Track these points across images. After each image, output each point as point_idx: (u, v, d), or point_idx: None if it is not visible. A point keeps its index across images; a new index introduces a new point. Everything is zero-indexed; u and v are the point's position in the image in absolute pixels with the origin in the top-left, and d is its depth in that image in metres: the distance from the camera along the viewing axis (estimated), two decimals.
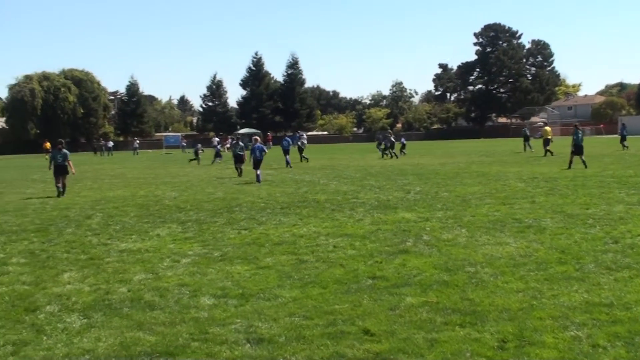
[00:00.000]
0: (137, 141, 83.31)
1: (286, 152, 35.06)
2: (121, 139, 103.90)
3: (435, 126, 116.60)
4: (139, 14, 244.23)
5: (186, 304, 7.08)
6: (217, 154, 42.31)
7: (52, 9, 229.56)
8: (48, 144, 66.70)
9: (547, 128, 38.10)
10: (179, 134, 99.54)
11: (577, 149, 25.53)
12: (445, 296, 7.04)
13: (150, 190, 21.88)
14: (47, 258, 10.01)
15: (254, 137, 28.16)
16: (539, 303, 6.68)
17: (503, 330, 5.84)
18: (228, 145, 58.50)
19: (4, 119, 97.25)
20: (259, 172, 23.98)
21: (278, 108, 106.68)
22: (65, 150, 20.84)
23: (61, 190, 20.50)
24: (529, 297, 6.92)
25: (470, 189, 18.27)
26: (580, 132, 26.11)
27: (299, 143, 39.24)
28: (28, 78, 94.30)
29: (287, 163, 33.90)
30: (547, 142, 36.04)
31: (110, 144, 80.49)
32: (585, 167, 24.52)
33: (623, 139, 41.03)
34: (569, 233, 10.67)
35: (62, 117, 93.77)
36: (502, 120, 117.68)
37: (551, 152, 35.33)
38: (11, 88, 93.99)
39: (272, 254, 9.77)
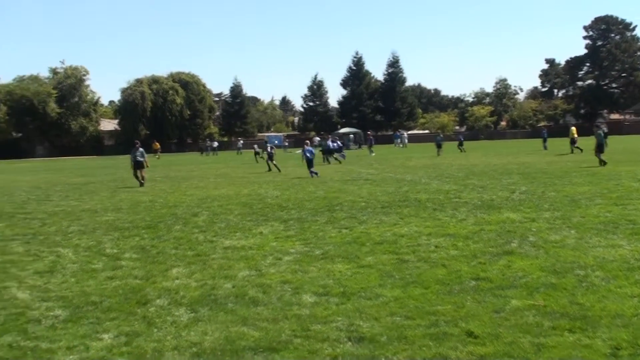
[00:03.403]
0: (241, 141, 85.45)
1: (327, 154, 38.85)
2: (225, 139, 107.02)
3: (542, 123, 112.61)
4: (242, 18, 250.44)
5: (288, 301, 7.18)
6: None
7: (161, 16, 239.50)
8: (157, 144, 70.10)
9: (573, 128, 41.88)
10: (281, 134, 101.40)
11: (599, 148, 27.10)
12: (553, 300, 6.77)
13: (253, 189, 22.38)
14: (157, 254, 10.43)
15: (306, 140, 34.19)
16: None
17: (616, 337, 5.55)
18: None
19: (116, 121, 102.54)
20: (312, 169, 27.62)
21: (379, 107, 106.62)
22: (141, 149, 25.77)
23: (142, 181, 25.12)
24: None
25: (580, 189, 17.49)
26: (601, 131, 27.93)
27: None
28: (139, 82, 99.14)
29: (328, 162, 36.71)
30: (573, 141, 39.97)
31: (215, 144, 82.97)
32: (605, 164, 25.93)
33: None
34: None
35: (170, 119, 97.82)
36: (615, 116, 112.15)
37: (572, 150, 39.42)
38: (123, 91, 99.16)
39: (373, 253, 9.75)
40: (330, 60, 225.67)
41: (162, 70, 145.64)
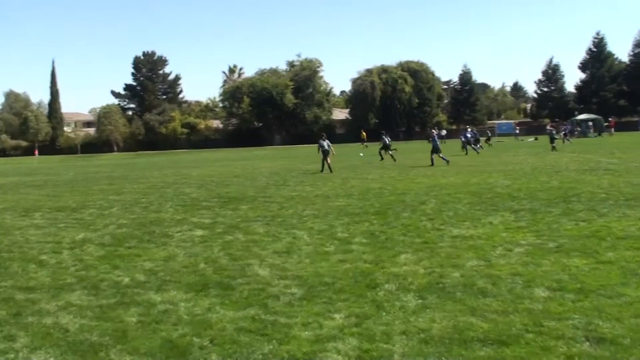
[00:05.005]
0: (469, 129, 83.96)
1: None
2: (454, 127, 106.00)
3: None
4: (470, 3, 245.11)
5: (519, 294, 6.91)
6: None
7: (390, 8, 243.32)
8: (364, 134, 71.97)
9: None
10: (512, 121, 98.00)
11: None
12: None
13: (482, 178, 21.88)
14: (386, 239, 10.63)
15: (432, 130, 39.59)
16: None
17: None
18: (564, 132, 55.87)
19: (347, 110, 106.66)
20: (440, 154, 30.35)
21: (623, 91, 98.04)
22: (327, 140, 29.83)
23: (329, 168, 28.25)
24: None
25: None
26: None
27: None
28: (369, 71, 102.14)
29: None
30: None
31: (444, 132, 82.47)
32: None
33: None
34: None
35: (399, 108, 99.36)
36: None
37: None
38: (354, 81, 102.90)
39: (614, 248, 9.02)
40: (566, 42, 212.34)
41: (392, 59, 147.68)
